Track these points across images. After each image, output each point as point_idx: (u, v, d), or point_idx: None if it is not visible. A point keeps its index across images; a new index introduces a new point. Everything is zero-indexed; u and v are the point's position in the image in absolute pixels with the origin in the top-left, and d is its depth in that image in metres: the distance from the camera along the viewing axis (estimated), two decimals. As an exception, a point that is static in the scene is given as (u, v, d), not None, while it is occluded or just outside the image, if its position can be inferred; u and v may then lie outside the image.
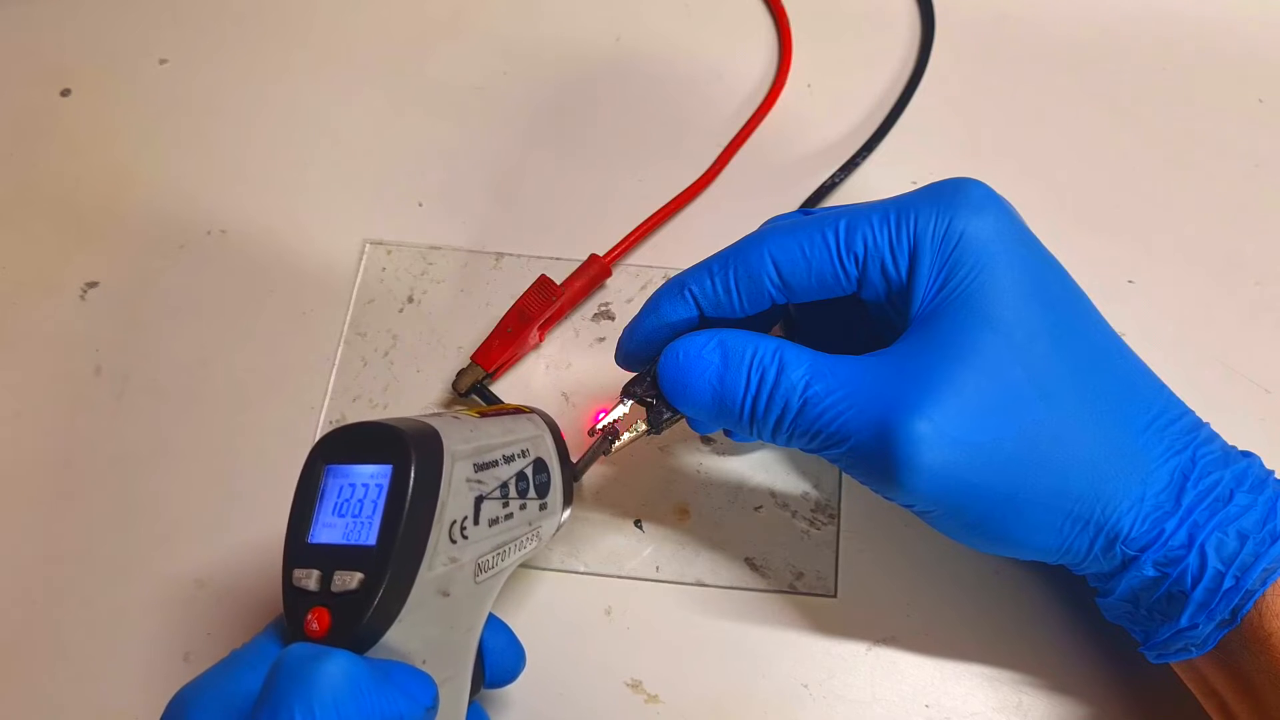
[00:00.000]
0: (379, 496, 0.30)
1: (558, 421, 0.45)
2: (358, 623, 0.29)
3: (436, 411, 0.37)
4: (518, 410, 0.37)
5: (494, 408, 0.37)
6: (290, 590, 0.31)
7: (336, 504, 0.31)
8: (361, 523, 0.30)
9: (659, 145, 0.52)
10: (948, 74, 0.53)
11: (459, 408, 0.43)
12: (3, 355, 0.47)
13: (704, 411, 0.34)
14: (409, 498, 0.30)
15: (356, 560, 0.30)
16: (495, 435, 0.34)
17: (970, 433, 0.31)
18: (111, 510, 0.44)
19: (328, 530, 0.31)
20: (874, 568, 0.42)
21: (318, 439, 0.32)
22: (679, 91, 0.53)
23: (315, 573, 0.30)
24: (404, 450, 0.30)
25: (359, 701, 0.27)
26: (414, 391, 0.46)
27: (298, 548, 0.31)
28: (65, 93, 0.54)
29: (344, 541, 0.30)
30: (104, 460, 0.45)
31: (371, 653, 0.30)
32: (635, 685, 0.40)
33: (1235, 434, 0.35)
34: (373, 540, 0.30)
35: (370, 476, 0.31)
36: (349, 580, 0.29)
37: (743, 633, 0.41)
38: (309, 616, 0.29)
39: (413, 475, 0.30)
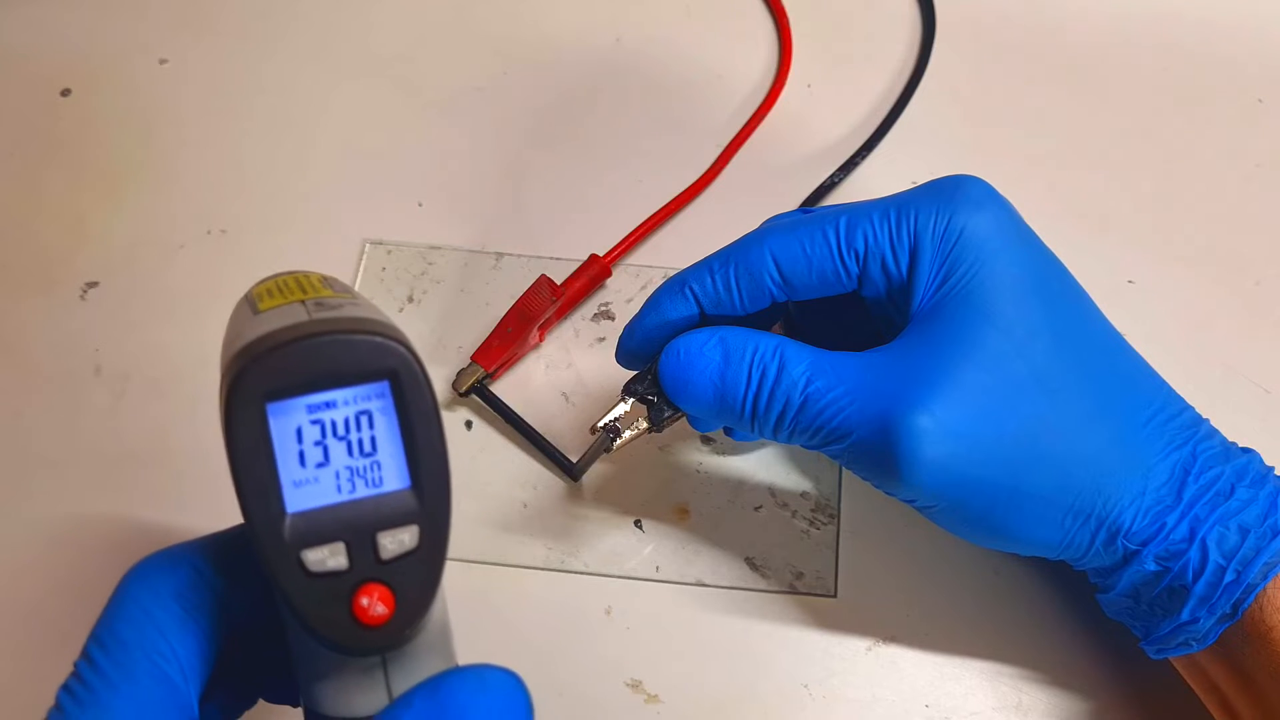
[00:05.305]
0: (377, 423, 0.24)
1: (558, 422, 0.45)
2: (429, 590, 0.24)
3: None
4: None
5: (320, 285, 0.27)
6: (302, 581, 0.24)
7: (301, 452, 0.24)
8: (370, 463, 0.24)
9: (659, 145, 0.52)
10: (948, 74, 0.53)
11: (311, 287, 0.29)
12: (3, 355, 0.47)
13: (705, 409, 0.34)
14: (431, 409, 0.24)
15: (395, 511, 0.24)
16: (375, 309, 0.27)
17: (972, 426, 0.31)
18: (112, 510, 0.44)
19: (314, 490, 0.24)
20: (874, 568, 0.42)
21: (238, 370, 0.24)
22: (679, 92, 0.53)
23: (340, 545, 0.24)
24: (396, 354, 0.24)
25: None
26: (414, 391, 0.46)
27: (282, 523, 0.24)
28: (65, 93, 0.54)
29: (357, 495, 0.24)
30: (104, 460, 0.45)
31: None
32: (635, 685, 0.40)
33: (1235, 433, 0.35)
34: (405, 480, 0.24)
35: (353, 400, 0.24)
36: (403, 538, 0.24)
37: (743, 633, 0.41)
38: (363, 600, 0.24)
39: (423, 379, 0.24)
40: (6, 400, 0.46)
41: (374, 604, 0.24)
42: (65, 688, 0.25)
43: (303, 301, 0.26)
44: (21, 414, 0.46)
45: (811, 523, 0.43)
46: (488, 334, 0.45)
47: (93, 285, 0.49)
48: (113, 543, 0.43)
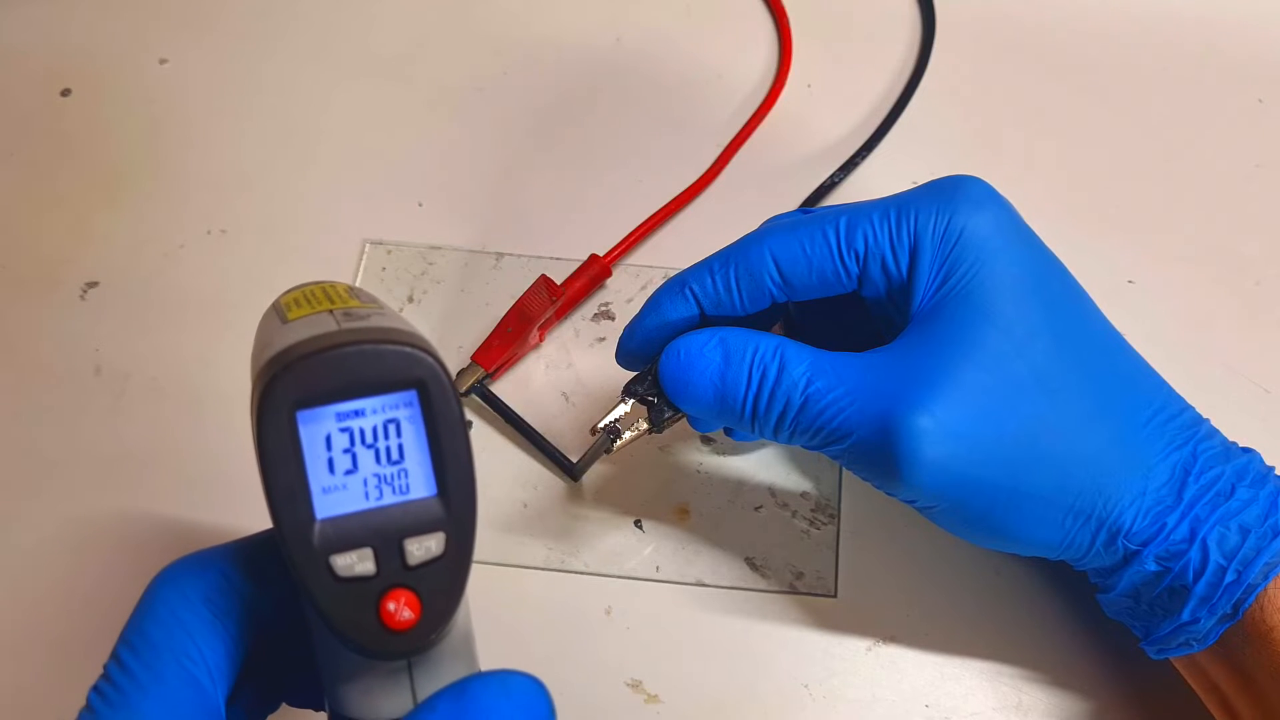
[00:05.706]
0: (405, 432, 0.25)
1: (558, 422, 0.45)
2: (455, 595, 0.25)
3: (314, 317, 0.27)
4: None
5: (347, 296, 0.28)
6: (331, 585, 0.24)
7: (330, 459, 0.25)
8: (398, 470, 0.25)
9: (659, 145, 0.52)
10: (948, 74, 0.53)
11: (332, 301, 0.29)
12: (3, 355, 0.47)
13: (705, 409, 0.34)
14: (457, 419, 0.25)
15: (421, 518, 0.25)
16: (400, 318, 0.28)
17: (972, 427, 0.31)
18: (112, 510, 0.44)
19: (342, 496, 0.25)
20: (874, 568, 0.42)
21: (268, 378, 0.24)
22: (679, 92, 0.53)
23: (368, 550, 0.24)
24: (424, 364, 0.24)
25: None
26: (414, 391, 0.46)
27: (311, 529, 0.24)
28: (65, 93, 0.54)
29: (385, 502, 0.25)
30: (104, 460, 0.45)
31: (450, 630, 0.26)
32: (635, 685, 0.40)
33: (1235, 433, 0.35)
34: (432, 487, 0.25)
35: (381, 408, 0.25)
36: (429, 545, 0.24)
37: (743, 633, 0.41)
38: (390, 606, 0.24)
39: (450, 389, 0.24)
40: (6, 400, 0.46)
41: (400, 609, 0.24)
42: (95, 689, 0.25)
43: (330, 311, 0.26)
44: (21, 414, 0.46)
45: (811, 523, 0.43)
46: (488, 334, 0.45)
47: (93, 285, 0.49)
48: (113, 542, 0.43)
